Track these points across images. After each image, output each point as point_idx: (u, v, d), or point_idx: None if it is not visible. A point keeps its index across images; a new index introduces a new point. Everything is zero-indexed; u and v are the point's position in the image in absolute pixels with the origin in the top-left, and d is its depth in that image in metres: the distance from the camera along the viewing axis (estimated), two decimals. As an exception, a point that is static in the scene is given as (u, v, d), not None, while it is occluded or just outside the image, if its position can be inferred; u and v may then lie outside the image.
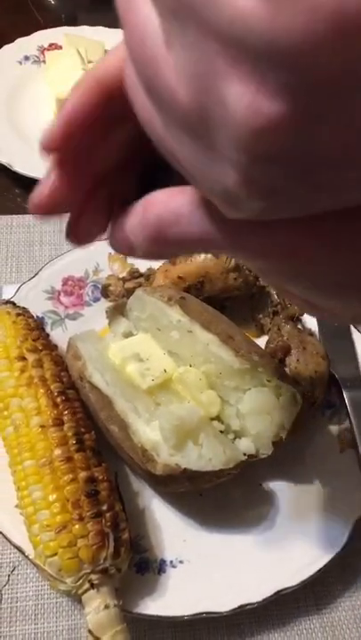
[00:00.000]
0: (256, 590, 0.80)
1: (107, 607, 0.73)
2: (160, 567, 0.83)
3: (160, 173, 0.34)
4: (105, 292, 1.06)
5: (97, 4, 1.68)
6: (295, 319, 0.99)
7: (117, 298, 1.06)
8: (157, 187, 0.32)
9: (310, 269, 0.28)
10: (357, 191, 0.22)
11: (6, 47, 1.45)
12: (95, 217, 0.39)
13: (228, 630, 0.82)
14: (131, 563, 0.80)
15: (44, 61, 1.43)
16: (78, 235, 0.40)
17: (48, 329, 1.02)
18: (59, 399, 0.85)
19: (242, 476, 0.90)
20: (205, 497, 0.90)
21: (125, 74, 0.28)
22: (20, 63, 1.43)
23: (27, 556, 0.79)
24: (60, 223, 1.20)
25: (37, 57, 1.45)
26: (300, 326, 0.99)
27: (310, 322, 1.03)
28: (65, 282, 1.08)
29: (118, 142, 0.36)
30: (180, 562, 0.84)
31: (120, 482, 0.85)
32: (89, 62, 1.33)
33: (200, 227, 0.29)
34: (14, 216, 1.20)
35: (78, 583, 0.74)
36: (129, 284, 1.05)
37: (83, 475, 0.79)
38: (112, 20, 1.31)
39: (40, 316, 1.03)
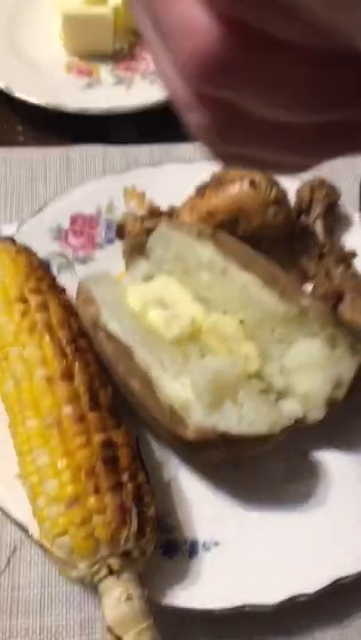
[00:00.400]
0: (309, 579, 0.66)
1: (129, 598, 0.59)
2: (191, 550, 0.69)
3: None
4: (120, 232, 0.91)
5: None
6: (347, 262, 0.84)
7: (134, 239, 0.90)
8: None
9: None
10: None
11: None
12: None
13: (273, 626, 0.68)
14: (156, 544, 0.66)
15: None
16: None
17: (54, 274, 0.87)
18: (68, 348, 0.70)
19: (285, 444, 0.75)
20: (241, 468, 0.75)
21: None
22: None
23: (30, 536, 0.65)
24: (67, 157, 1.04)
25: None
26: (352, 270, 0.84)
27: (363, 266, 0.88)
28: (74, 220, 0.92)
29: None
30: (215, 544, 0.70)
31: (141, 448, 0.70)
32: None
33: None
34: (14, 149, 1.05)
35: (94, 569, 0.60)
36: (148, 224, 0.90)
37: (98, 437, 0.64)
38: None
39: (45, 258, 0.88)
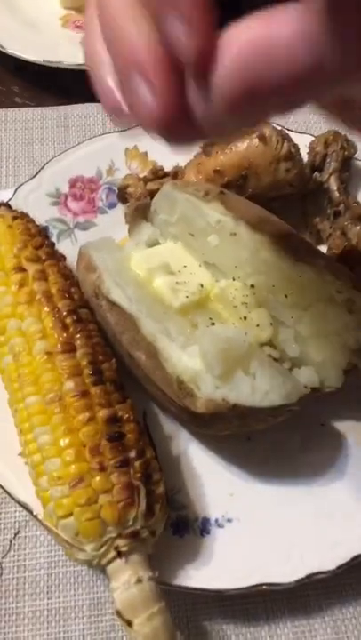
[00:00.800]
0: (328, 555, 0.63)
1: (139, 581, 0.56)
2: (203, 527, 0.66)
3: None
4: (122, 195, 0.86)
5: None
6: (364, 220, 0.79)
7: (137, 202, 0.85)
8: None
9: None
10: None
11: None
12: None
13: (289, 604, 0.65)
14: (166, 524, 0.63)
15: None
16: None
17: (54, 241, 0.82)
18: (68, 319, 0.66)
19: (299, 414, 0.71)
20: (254, 441, 0.72)
21: None
22: None
23: (35, 516, 0.62)
24: (65, 118, 0.98)
25: None
26: (370, 228, 0.78)
27: (381, 225, 0.83)
28: (73, 184, 0.87)
29: None
30: (228, 520, 0.67)
31: (148, 423, 0.67)
32: None
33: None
34: (9, 110, 0.99)
35: (101, 551, 0.57)
36: (152, 185, 0.85)
37: (103, 413, 0.61)
38: None
39: (43, 224, 0.83)
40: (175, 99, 0.32)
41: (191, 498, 0.68)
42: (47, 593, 0.66)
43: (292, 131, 0.89)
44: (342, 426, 0.73)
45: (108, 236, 0.80)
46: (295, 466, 0.70)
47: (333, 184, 0.83)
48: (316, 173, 0.84)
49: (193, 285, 0.73)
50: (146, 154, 0.90)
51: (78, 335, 0.65)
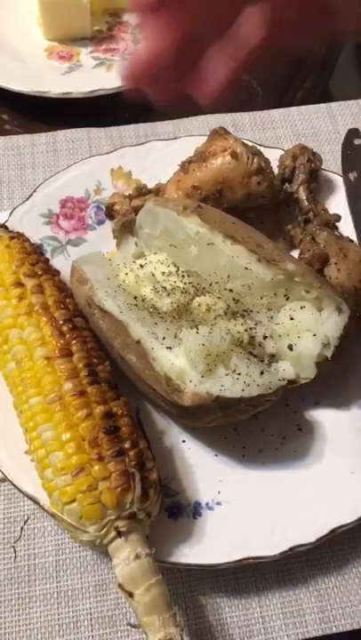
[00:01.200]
0: (308, 530, 0.70)
1: (137, 557, 0.62)
2: (195, 510, 0.73)
3: None
4: (109, 212, 0.93)
5: None
6: (331, 225, 0.86)
7: (124, 218, 0.92)
8: None
9: None
10: None
11: None
12: None
13: (277, 576, 0.72)
14: (161, 508, 0.70)
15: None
16: None
17: (48, 257, 0.89)
18: (65, 327, 0.73)
19: (279, 406, 0.78)
20: (240, 432, 0.78)
21: None
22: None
23: (42, 506, 0.69)
24: (54, 143, 1.06)
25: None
26: (337, 233, 0.86)
27: (348, 229, 0.90)
28: (63, 204, 0.95)
29: None
30: (218, 503, 0.73)
31: (142, 419, 0.73)
32: None
33: None
34: (0, 138, 1.06)
35: (103, 532, 0.63)
36: (136, 202, 0.92)
37: (99, 409, 0.67)
38: None
39: (38, 243, 0.90)
40: None
41: (184, 485, 0.75)
42: (56, 577, 0.72)
43: (263, 146, 0.96)
44: (317, 414, 0.80)
45: (98, 251, 0.87)
46: (277, 453, 0.77)
47: (302, 194, 0.90)
48: (287, 185, 0.92)
49: (177, 292, 0.80)
50: (130, 173, 0.97)
51: (74, 341, 0.72)
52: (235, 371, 0.70)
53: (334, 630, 0.69)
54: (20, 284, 0.76)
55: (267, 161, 0.89)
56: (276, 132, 1.08)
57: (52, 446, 0.66)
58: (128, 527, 0.63)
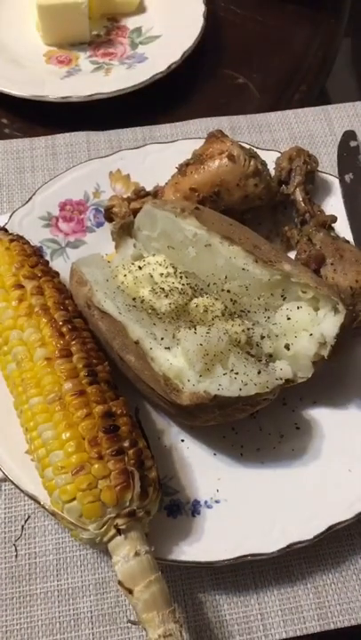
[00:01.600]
0: (305, 527, 0.70)
1: (137, 554, 0.63)
2: (194, 509, 0.73)
3: None
4: (108, 214, 0.94)
5: None
6: (327, 226, 0.87)
7: (122, 221, 0.93)
8: None
9: None
10: None
11: None
12: None
13: (275, 574, 0.73)
14: (160, 506, 0.70)
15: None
16: None
17: (48, 260, 0.90)
18: (64, 328, 0.74)
19: (277, 405, 0.79)
20: (238, 431, 0.79)
21: None
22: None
23: (42, 505, 0.70)
24: (52, 146, 1.07)
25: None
26: (333, 234, 0.87)
27: (344, 230, 0.91)
28: (62, 207, 0.95)
29: None
30: (216, 502, 0.74)
31: (142, 419, 0.74)
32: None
33: None
34: (0, 141, 1.07)
35: (103, 529, 0.64)
36: (135, 204, 0.93)
37: (99, 409, 0.68)
38: None
39: (38, 245, 0.91)
40: None
41: (183, 484, 0.75)
42: (57, 576, 0.73)
43: (260, 148, 0.97)
44: (315, 413, 0.80)
45: (97, 253, 0.88)
46: (275, 452, 0.78)
47: (299, 195, 0.91)
48: (283, 186, 0.93)
49: (175, 293, 0.81)
50: (128, 176, 0.99)
51: (74, 342, 0.73)
52: (232, 370, 0.71)
53: (332, 627, 0.70)
54: (20, 286, 0.77)
55: (263, 163, 0.90)
56: (273, 135, 1.09)
57: (53, 445, 0.67)
58: (127, 525, 0.64)
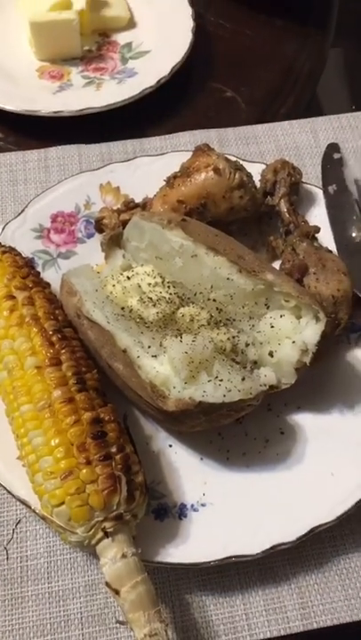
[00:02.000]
0: (289, 529, 0.72)
1: (124, 556, 0.65)
2: (180, 512, 0.76)
3: None
4: (99, 226, 0.96)
5: None
6: (311, 237, 0.89)
7: (112, 232, 0.96)
8: None
9: None
10: None
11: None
12: None
13: (260, 574, 0.75)
14: (148, 510, 0.73)
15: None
16: None
17: (39, 270, 0.92)
18: (54, 338, 0.76)
19: (262, 411, 0.82)
20: (225, 437, 0.81)
21: None
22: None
23: (33, 510, 0.72)
24: (45, 159, 1.10)
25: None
26: (316, 244, 0.89)
27: (327, 240, 0.94)
28: (54, 218, 0.98)
29: None
30: (203, 505, 0.76)
31: (130, 425, 0.76)
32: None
33: None
34: (-6, 155, 1.10)
35: (90, 532, 0.66)
36: (124, 216, 0.95)
37: (87, 416, 0.70)
38: None
39: (30, 256, 0.94)
40: None
41: (170, 488, 0.78)
42: (47, 578, 0.75)
43: (246, 160, 1.00)
44: (298, 419, 0.83)
45: (87, 264, 0.90)
46: (260, 456, 0.80)
47: (283, 206, 0.94)
48: (269, 198, 0.96)
49: (163, 302, 0.83)
50: (118, 188, 1.01)
51: (63, 351, 0.75)
52: (217, 377, 0.73)
53: (315, 626, 0.72)
54: (11, 297, 0.79)
55: (249, 175, 0.92)
56: (260, 147, 1.12)
57: (42, 451, 0.69)
58: (115, 528, 0.66)
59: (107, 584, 0.65)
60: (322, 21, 1.40)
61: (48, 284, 0.86)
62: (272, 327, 0.79)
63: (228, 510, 0.75)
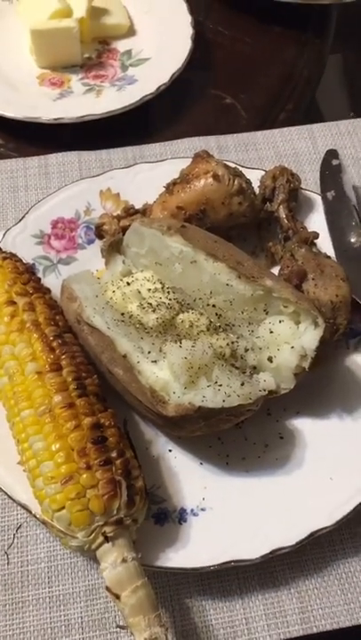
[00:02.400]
0: (288, 534, 0.73)
1: (124, 561, 0.66)
2: (180, 516, 0.76)
3: None
4: (99, 232, 0.97)
5: None
6: (310, 242, 0.90)
7: (112, 238, 0.96)
8: None
9: None
10: None
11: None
12: None
13: (260, 579, 0.75)
14: (148, 514, 0.73)
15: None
16: None
17: (40, 276, 0.93)
18: (55, 343, 0.76)
19: (262, 416, 0.82)
20: (224, 441, 0.82)
21: None
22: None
23: (33, 514, 0.72)
24: (45, 166, 1.10)
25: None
26: (315, 250, 0.90)
27: (326, 245, 0.94)
28: (54, 225, 0.99)
29: None
30: (202, 509, 0.77)
31: (130, 430, 0.77)
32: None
33: None
34: (-5, 162, 1.11)
35: (91, 537, 0.66)
36: (124, 222, 0.96)
37: (87, 421, 0.71)
38: None
39: (30, 262, 0.95)
40: None
41: (170, 492, 0.78)
42: (48, 583, 0.75)
43: (245, 167, 1.01)
44: (298, 423, 0.83)
45: (87, 270, 0.91)
46: (260, 461, 0.81)
47: (282, 212, 0.95)
48: (268, 204, 0.96)
49: (162, 308, 0.83)
50: (118, 195, 1.02)
51: (64, 356, 0.75)
52: (216, 382, 0.73)
53: (315, 630, 0.72)
54: (12, 303, 0.80)
55: (248, 182, 0.93)
56: (259, 153, 1.12)
57: (43, 456, 0.69)
58: (115, 532, 0.67)
59: (107, 588, 0.65)
60: (320, 28, 1.41)
61: (48, 290, 0.86)
62: (271, 332, 0.80)
63: (227, 515, 0.76)
